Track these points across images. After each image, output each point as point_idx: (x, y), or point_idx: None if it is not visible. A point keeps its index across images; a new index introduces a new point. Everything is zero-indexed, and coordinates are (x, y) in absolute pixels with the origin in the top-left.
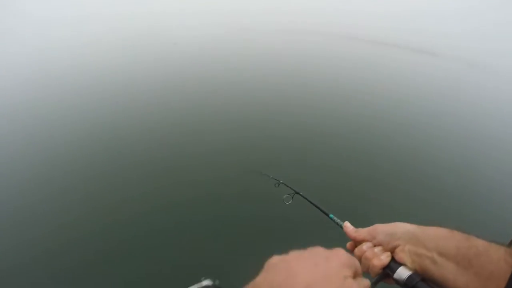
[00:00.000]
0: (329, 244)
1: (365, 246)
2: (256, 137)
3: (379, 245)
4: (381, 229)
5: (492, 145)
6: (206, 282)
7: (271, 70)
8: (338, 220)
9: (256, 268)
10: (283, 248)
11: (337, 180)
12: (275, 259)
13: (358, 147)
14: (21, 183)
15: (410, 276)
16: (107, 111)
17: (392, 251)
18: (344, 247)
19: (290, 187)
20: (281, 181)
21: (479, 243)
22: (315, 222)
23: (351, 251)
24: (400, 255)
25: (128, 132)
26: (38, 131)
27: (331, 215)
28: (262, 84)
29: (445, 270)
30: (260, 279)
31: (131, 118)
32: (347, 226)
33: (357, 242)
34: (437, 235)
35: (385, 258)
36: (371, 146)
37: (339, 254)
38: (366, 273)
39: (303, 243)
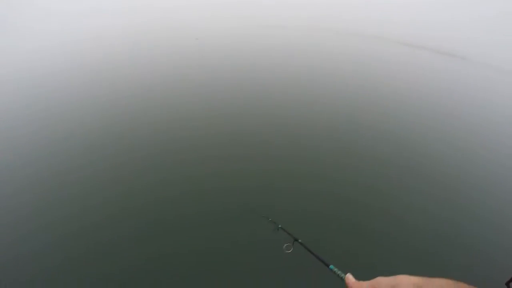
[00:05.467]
0: None
1: None
2: (259, 176)
3: None
4: (384, 282)
5: None
6: None
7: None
8: (339, 272)
9: None
10: None
11: (341, 227)
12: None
13: (365, 194)
14: (22, 181)
15: None
16: (118, 109)
17: None
18: None
19: (289, 233)
20: (280, 226)
21: None
22: (314, 269)
23: None
24: None
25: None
26: (40, 131)
27: (331, 266)
28: (270, 117)
29: None
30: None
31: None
32: (349, 278)
33: None
34: (441, 286)
35: None
36: (377, 192)
37: None
38: None
39: None
